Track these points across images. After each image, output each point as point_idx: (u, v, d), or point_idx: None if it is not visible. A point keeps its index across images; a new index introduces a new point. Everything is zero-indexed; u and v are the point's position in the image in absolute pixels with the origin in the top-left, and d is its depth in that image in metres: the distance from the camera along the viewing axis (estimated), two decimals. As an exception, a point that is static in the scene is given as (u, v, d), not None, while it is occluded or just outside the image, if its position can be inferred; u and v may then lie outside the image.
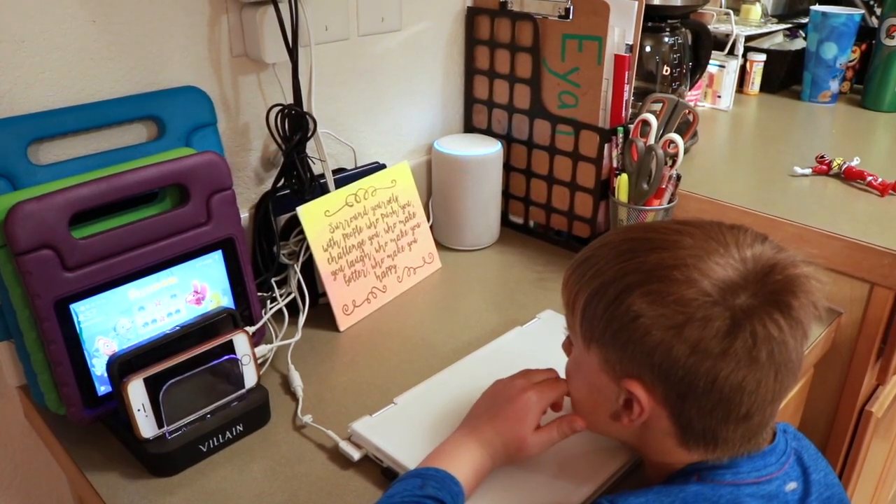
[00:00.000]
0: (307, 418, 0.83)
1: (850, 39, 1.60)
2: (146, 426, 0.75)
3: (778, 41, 1.74)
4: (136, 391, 0.73)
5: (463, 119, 1.31)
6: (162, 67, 0.90)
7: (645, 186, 1.06)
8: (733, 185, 1.22)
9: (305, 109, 0.97)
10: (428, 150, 1.27)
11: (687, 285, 0.57)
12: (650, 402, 0.60)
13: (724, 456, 0.62)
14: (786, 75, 1.72)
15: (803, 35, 1.75)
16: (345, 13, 1.06)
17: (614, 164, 1.11)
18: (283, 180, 1.00)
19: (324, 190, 1.03)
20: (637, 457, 0.75)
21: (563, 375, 0.74)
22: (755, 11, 1.65)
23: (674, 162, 1.05)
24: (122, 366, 0.74)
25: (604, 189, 1.15)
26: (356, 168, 1.13)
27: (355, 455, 0.77)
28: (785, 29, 1.74)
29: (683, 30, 1.28)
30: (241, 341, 0.81)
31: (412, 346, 0.97)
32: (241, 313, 0.85)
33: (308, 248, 0.98)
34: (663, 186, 1.05)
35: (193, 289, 0.85)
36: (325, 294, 1.01)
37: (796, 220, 1.09)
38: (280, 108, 0.96)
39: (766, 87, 1.72)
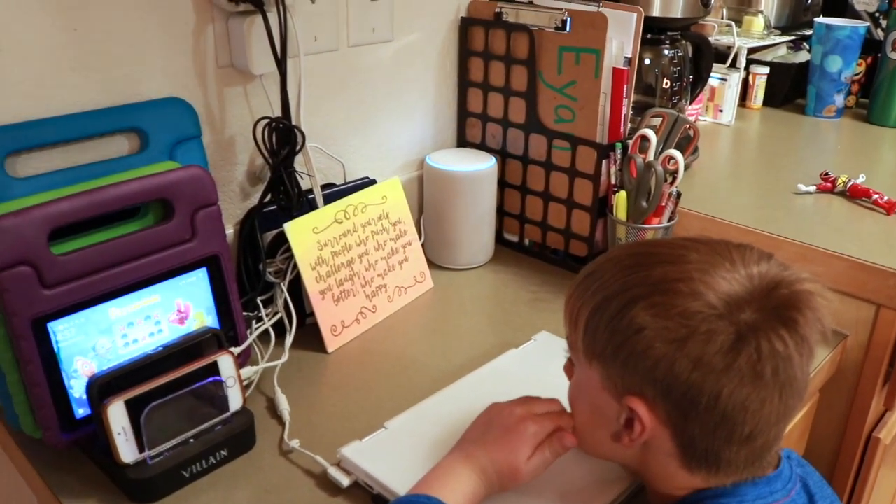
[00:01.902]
0: (294, 443, 0.80)
1: (856, 52, 1.58)
2: (126, 451, 0.72)
3: (781, 54, 1.73)
4: (117, 414, 0.71)
5: (456, 133, 1.29)
6: (145, 78, 0.88)
7: (644, 204, 1.03)
8: (735, 203, 1.20)
9: (294, 122, 0.95)
10: (419, 165, 1.24)
11: (692, 298, 0.56)
12: (652, 421, 0.59)
13: (727, 480, 0.61)
14: (790, 89, 1.70)
15: (807, 47, 1.74)
16: (335, 23, 1.04)
17: (612, 181, 1.09)
18: (269, 195, 0.98)
19: (312, 206, 1.00)
20: (637, 483, 0.73)
21: (565, 401, 0.72)
22: (758, 23, 1.63)
23: (674, 179, 1.03)
24: (102, 387, 0.72)
25: (601, 206, 1.12)
26: (345, 183, 1.11)
27: (344, 481, 0.75)
28: (788, 41, 1.72)
29: (684, 42, 1.26)
30: (226, 363, 0.79)
31: (403, 369, 0.94)
32: (225, 333, 0.83)
33: (295, 266, 0.95)
34: (663, 204, 1.03)
35: (176, 308, 0.83)
36: (312, 314, 0.99)
37: (800, 240, 1.07)
38: (267, 120, 0.94)
39: (769, 100, 1.70)
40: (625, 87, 1.06)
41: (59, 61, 0.81)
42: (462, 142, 1.28)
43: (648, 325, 0.57)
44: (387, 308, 1.06)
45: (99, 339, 0.77)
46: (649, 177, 1.02)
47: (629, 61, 1.06)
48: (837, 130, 1.60)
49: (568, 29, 1.07)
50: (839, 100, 1.63)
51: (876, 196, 1.17)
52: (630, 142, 1.06)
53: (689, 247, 0.61)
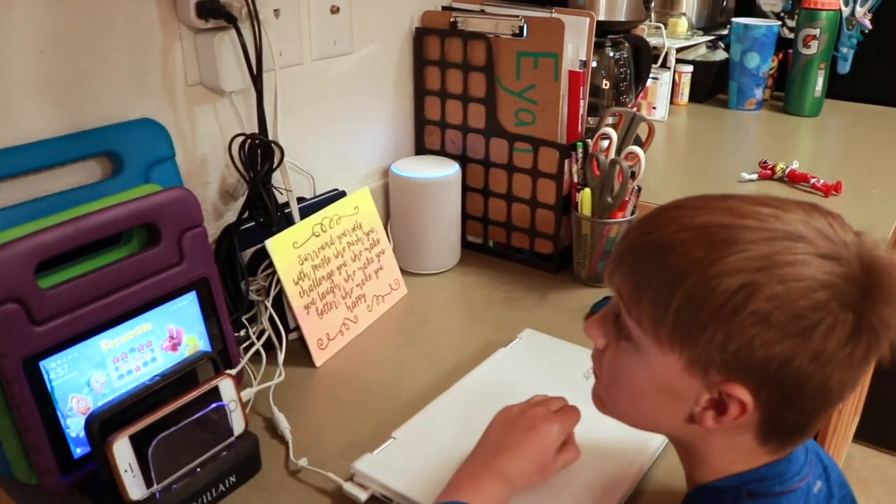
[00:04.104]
0: (302, 461, 0.78)
1: (771, 49, 1.69)
2: (134, 487, 0.69)
3: (701, 52, 1.81)
4: (122, 450, 0.68)
5: (414, 141, 1.29)
6: (114, 99, 0.85)
7: (609, 199, 1.07)
8: (687, 193, 1.23)
9: (271, 138, 0.93)
10: (381, 174, 1.24)
11: (810, 289, 0.52)
12: (752, 406, 0.56)
13: (791, 448, 0.60)
14: (712, 85, 1.79)
15: (723, 46, 1.83)
16: (298, 37, 1.03)
17: (575, 179, 1.12)
18: (247, 213, 0.96)
19: (288, 221, 0.99)
20: (639, 481, 0.75)
21: (573, 400, 0.73)
22: (682, 25, 1.71)
23: (634, 174, 1.06)
24: (104, 424, 0.68)
25: (565, 204, 1.15)
26: (315, 196, 1.09)
27: (362, 496, 0.74)
28: (707, 41, 1.81)
29: (626, 44, 1.30)
30: (226, 386, 0.76)
31: (394, 377, 0.94)
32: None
33: (278, 282, 0.94)
34: (627, 199, 1.07)
35: (169, 334, 0.80)
36: (294, 329, 0.97)
37: (751, 224, 1.12)
38: (244, 137, 0.92)
39: (694, 96, 1.79)
40: (581, 88, 1.10)
41: (27, 85, 0.78)
42: (421, 149, 1.28)
43: (770, 317, 0.52)
44: (367, 317, 1.05)
45: (93, 374, 0.73)
46: (614, 173, 1.05)
47: (584, 64, 1.09)
48: (758, 121, 1.70)
49: (525, 35, 1.09)
50: (758, 93, 1.73)
51: (813, 180, 1.25)
52: (590, 141, 1.10)
53: (776, 216, 0.55)
